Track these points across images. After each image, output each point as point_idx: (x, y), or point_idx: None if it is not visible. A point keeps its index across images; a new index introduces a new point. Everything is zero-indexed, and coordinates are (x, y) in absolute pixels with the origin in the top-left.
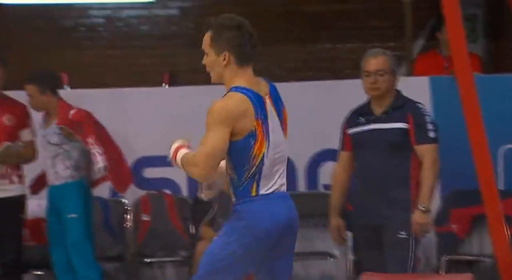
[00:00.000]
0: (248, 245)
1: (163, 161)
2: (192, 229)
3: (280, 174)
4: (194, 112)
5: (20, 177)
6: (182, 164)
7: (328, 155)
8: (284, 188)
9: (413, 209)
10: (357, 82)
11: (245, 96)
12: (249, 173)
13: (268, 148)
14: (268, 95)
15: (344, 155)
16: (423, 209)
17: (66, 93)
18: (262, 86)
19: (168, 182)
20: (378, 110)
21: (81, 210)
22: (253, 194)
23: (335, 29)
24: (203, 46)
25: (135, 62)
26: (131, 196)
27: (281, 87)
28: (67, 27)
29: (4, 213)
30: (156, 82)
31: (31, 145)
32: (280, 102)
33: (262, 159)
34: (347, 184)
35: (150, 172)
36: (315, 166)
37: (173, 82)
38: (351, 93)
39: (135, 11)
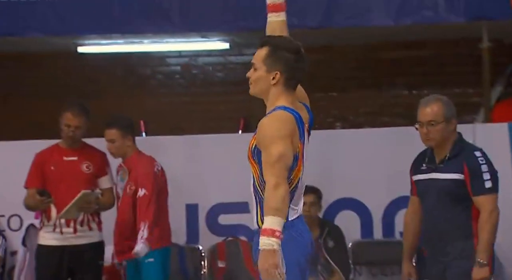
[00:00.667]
0: (292, 269)
1: (238, 207)
2: None
3: (302, 199)
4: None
5: (99, 224)
6: (272, 205)
7: (404, 202)
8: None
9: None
10: None
11: (293, 117)
12: None
13: (302, 173)
14: (307, 122)
15: (413, 200)
16: (480, 263)
17: (143, 140)
18: (303, 112)
19: (243, 229)
20: (438, 158)
21: (158, 254)
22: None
23: (412, 75)
24: (254, 60)
25: (210, 109)
26: (207, 242)
27: (356, 133)
28: (145, 75)
29: (83, 260)
30: (231, 129)
31: (109, 192)
32: (310, 131)
33: (297, 184)
34: (418, 229)
35: (226, 219)
36: (391, 213)
37: (248, 128)
38: None
39: (211, 58)
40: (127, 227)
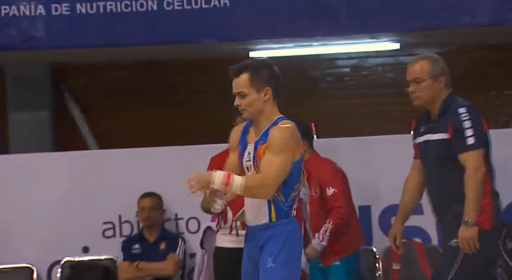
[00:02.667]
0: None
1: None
2: None
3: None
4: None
5: None
6: (245, 186)
7: None
8: None
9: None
10: None
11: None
12: (293, 195)
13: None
14: None
15: (415, 163)
16: (468, 222)
17: (314, 142)
18: None
19: (417, 231)
20: (432, 118)
21: (346, 259)
22: (292, 215)
23: None
24: (238, 89)
25: (381, 110)
26: (380, 244)
27: None
28: (315, 77)
29: None
30: (403, 130)
31: None
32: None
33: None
34: (416, 192)
35: None
36: None
37: None
38: None
39: (381, 59)
40: None
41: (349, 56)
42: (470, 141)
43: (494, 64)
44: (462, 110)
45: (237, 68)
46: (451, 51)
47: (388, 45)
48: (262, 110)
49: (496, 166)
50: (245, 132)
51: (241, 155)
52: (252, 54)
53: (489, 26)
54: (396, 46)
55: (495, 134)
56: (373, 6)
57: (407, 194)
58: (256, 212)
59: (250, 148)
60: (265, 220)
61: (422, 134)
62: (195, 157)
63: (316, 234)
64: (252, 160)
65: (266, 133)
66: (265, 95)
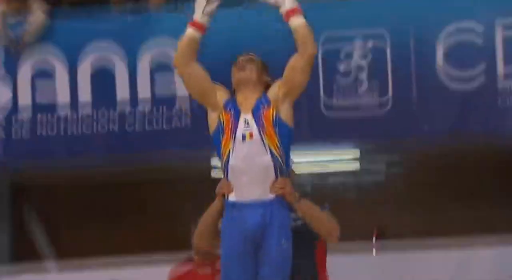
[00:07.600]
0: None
1: None
2: None
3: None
4: None
5: None
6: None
7: None
8: None
9: None
10: None
11: None
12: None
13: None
14: None
15: None
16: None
17: None
18: None
19: None
20: None
21: None
22: None
23: None
24: (253, 57)
25: None
26: None
27: None
28: None
29: None
30: None
31: None
32: None
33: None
34: None
35: None
36: None
37: None
38: None
39: None
40: None
41: None
42: None
43: None
44: None
45: (252, 56)
46: None
47: None
48: (259, 77)
49: None
50: (233, 100)
51: (233, 123)
52: None
53: None
54: None
55: None
56: None
57: None
58: (263, 185)
59: (246, 116)
60: (272, 194)
61: None
62: None
63: None
64: (256, 125)
65: (261, 100)
66: (265, 77)
